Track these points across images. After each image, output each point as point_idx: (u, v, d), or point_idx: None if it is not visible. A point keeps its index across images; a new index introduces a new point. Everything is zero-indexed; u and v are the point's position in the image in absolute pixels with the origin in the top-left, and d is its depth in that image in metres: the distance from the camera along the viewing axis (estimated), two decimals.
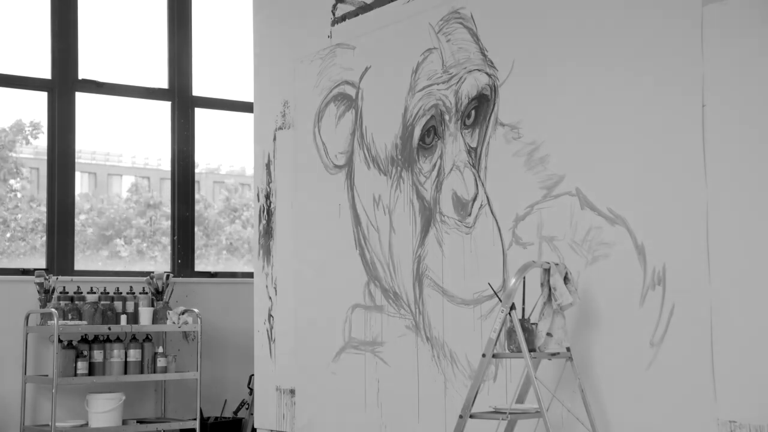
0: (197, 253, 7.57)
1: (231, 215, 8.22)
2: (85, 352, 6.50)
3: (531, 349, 4.04)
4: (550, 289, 4.10)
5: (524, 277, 4.11)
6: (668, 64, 4.02)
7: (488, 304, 4.78)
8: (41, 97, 7.05)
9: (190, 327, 6.84)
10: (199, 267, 7.59)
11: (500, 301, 4.12)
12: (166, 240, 7.55)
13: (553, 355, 4.09)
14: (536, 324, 4.12)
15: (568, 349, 4.12)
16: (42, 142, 7.11)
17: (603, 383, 4.22)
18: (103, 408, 6.49)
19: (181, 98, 7.49)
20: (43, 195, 7.07)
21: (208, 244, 7.89)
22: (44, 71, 7.05)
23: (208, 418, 7.09)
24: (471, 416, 4.07)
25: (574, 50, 4.42)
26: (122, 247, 7.58)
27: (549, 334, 4.07)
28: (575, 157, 4.39)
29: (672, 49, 4.01)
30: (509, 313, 4.00)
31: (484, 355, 4.05)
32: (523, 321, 4.07)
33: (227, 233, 8.10)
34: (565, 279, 4.10)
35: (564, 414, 4.27)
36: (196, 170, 7.61)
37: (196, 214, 7.57)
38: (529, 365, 3.97)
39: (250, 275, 6.78)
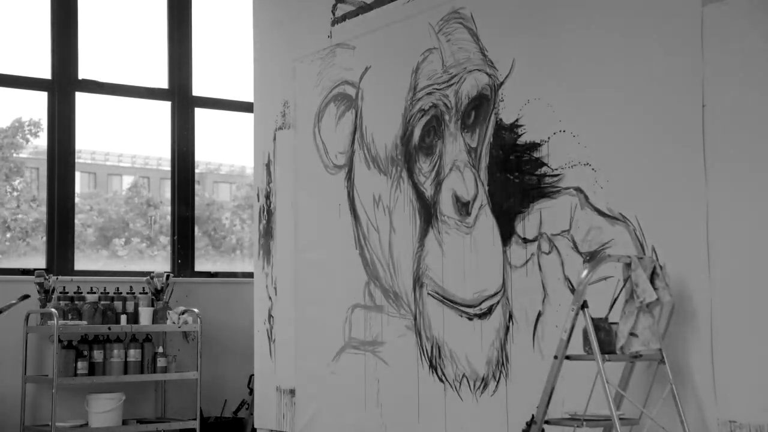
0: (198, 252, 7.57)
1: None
2: (85, 352, 6.50)
3: (609, 351, 3.72)
4: (632, 286, 3.75)
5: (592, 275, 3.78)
6: (668, 64, 4.02)
7: (488, 303, 4.78)
8: (41, 97, 7.05)
9: (190, 327, 6.84)
10: (204, 267, 7.60)
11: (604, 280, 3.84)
12: (166, 240, 7.55)
13: (635, 357, 3.78)
14: (616, 323, 3.79)
15: (660, 350, 3.81)
16: (42, 141, 7.10)
17: None
18: (103, 408, 6.49)
19: (181, 98, 7.49)
20: (43, 195, 7.07)
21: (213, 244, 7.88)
22: (44, 71, 7.05)
23: (208, 418, 7.08)
24: (546, 422, 3.81)
25: (574, 50, 4.42)
26: (121, 247, 7.57)
27: (633, 334, 3.72)
28: (575, 157, 4.39)
29: (672, 49, 4.00)
30: (582, 312, 3.69)
31: (555, 357, 3.80)
32: (598, 320, 3.74)
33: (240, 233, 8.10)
34: (654, 274, 3.80)
35: (648, 421, 3.96)
36: (196, 170, 7.60)
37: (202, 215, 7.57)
38: (601, 368, 3.66)
39: (250, 275, 6.77)
